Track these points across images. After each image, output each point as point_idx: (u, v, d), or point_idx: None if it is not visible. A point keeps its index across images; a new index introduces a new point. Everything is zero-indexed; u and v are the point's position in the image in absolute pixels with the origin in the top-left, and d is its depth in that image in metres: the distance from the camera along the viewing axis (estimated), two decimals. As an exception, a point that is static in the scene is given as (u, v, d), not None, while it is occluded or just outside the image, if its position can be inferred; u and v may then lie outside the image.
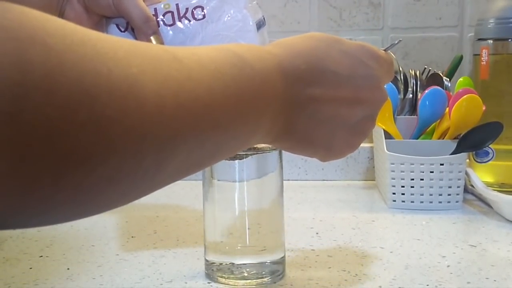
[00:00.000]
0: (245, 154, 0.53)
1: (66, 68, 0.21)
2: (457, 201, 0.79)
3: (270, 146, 0.54)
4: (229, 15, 0.52)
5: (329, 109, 0.39)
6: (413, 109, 0.89)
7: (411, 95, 0.89)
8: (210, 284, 0.55)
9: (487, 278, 0.55)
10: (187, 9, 0.53)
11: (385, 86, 0.44)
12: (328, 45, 0.39)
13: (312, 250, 0.63)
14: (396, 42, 0.55)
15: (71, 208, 0.25)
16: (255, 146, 0.53)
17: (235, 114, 0.31)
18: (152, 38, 0.51)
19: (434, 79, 0.88)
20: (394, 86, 0.84)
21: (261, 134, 0.36)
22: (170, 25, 0.53)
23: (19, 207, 0.22)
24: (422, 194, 0.79)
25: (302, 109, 0.38)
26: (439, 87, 0.81)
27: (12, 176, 0.21)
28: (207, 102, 0.29)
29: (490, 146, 0.82)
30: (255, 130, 0.34)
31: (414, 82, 0.89)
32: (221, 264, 0.55)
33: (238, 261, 0.55)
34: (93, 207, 0.26)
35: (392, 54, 0.86)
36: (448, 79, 0.88)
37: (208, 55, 0.31)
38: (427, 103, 0.81)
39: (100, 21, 0.55)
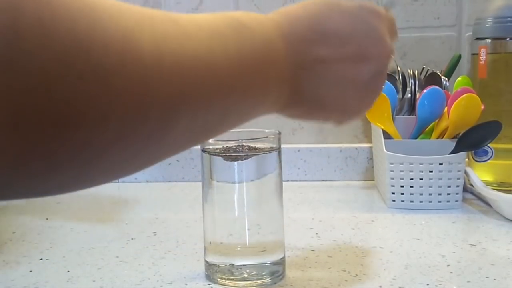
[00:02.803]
0: (245, 155, 0.53)
1: (58, 17, 0.21)
2: (456, 201, 0.79)
3: (269, 146, 0.54)
4: None
5: (336, 69, 0.38)
6: (411, 109, 0.89)
7: (409, 95, 0.89)
8: (210, 285, 0.55)
9: (487, 277, 0.55)
10: None
11: (386, 71, 0.43)
12: (328, 7, 0.39)
13: (312, 250, 0.63)
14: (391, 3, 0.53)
15: (76, 169, 0.24)
16: (255, 146, 0.53)
17: (238, 75, 0.30)
18: None
19: (432, 79, 0.88)
20: (392, 86, 0.84)
21: (270, 101, 0.35)
22: None
23: (21, 164, 0.21)
24: (421, 194, 0.79)
25: (308, 72, 0.37)
26: (437, 87, 0.81)
27: (12, 129, 0.20)
28: (208, 63, 0.28)
29: (489, 145, 0.82)
30: (262, 95, 0.34)
31: (413, 82, 0.89)
32: (221, 265, 0.55)
33: (238, 262, 0.55)
34: (100, 170, 0.25)
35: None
36: (446, 79, 0.88)
37: (206, 19, 0.30)
38: (425, 102, 0.81)
39: None
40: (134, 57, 0.24)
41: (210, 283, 0.55)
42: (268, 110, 0.36)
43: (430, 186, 0.78)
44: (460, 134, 0.79)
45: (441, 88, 0.83)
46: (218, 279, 0.55)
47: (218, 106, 0.30)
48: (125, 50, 0.23)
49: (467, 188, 0.85)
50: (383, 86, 0.43)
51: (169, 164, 1.01)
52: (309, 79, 0.37)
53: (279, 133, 0.55)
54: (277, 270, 0.55)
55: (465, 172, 0.80)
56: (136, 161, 0.27)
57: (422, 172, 0.78)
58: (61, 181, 0.24)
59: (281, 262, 0.56)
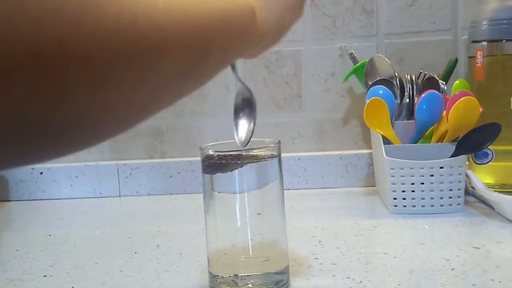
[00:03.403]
0: (246, 162, 0.53)
1: None
2: (458, 204, 0.79)
3: (269, 153, 0.54)
4: None
5: None
6: (410, 114, 0.89)
7: (408, 100, 0.90)
8: (215, 296, 0.55)
9: (492, 280, 0.55)
10: None
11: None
12: None
13: (316, 258, 0.63)
14: None
15: (88, 101, 0.23)
16: (255, 154, 0.53)
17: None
18: None
19: (430, 83, 0.88)
20: (390, 92, 0.84)
21: (247, 25, 0.35)
22: None
23: (32, 95, 0.20)
24: (423, 198, 0.79)
25: None
26: (435, 91, 0.82)
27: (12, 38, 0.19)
28: None
29: (489, 147, 0.82)
30: (240, 17, 0.34)
31: (410, 87, 0.89)
32: (225, 276, 0.55)
33: (242, 272, 0.55)
34: (111, 105, 0.25)
35: None
36: (444, 82, 0.88)
37: None
38: (424, 107, 0.81)
39: None
40: None
41: (214, 294, 0.55)
42: (250, 38, 0.37)
43: (432, 190, 0.78)
44: (460, 137, 0.79)
45: (439, 92, 0.83)
46: (223, 290, 0.55)
47: (207, 28, 0.30)
48: None
49: (469, 191, 0.85)
50: None
51: (170, 176, 1.01)
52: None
53: (279, 142, 0.56)
54: (282, 279, 0.55)
55: (466, 175, 0.80)
56: (141, 89, 0.26)
57: (423, 176, 0.78)
58: (69, 119, 0.23)
59: (285, 271, 0.56)
